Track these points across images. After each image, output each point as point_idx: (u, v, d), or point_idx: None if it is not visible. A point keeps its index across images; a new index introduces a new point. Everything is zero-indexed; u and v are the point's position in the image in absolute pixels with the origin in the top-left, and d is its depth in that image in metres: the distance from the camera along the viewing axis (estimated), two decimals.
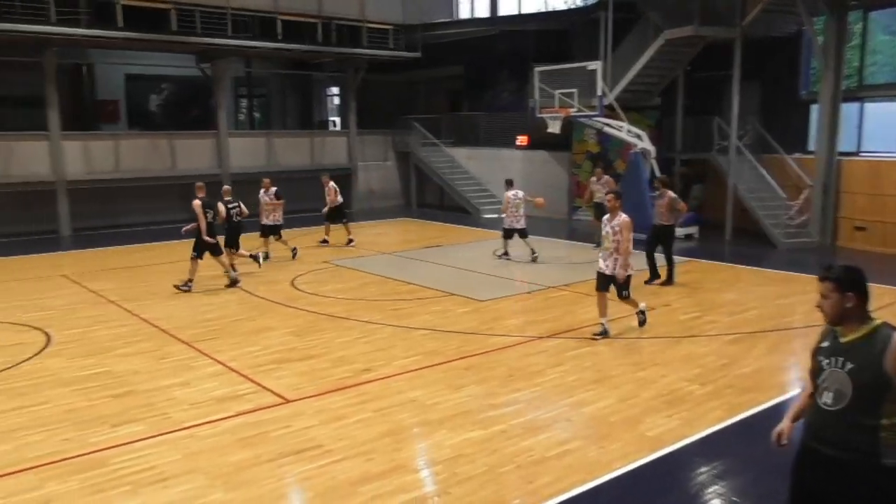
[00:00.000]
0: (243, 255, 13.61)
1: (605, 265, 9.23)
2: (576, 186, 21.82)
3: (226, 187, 14.34)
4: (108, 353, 8.93)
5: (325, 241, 17.42)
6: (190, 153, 21.88)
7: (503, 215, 14.98)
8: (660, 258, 12.49)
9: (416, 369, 8.20)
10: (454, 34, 25.04)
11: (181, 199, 22.34)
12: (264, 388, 7.61)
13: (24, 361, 8.64)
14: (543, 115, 18.64)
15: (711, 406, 7.03)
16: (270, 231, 15.21)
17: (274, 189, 15.26)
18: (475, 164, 24.94)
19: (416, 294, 12.09)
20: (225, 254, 12.98)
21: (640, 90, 19.41)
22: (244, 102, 28.56)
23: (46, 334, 9.76)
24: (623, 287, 9.22)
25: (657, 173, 16.33)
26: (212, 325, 10.16)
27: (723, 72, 17.84)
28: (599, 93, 17.43)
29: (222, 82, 22.28)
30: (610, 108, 18.18)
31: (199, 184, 13.01)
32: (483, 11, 27.14)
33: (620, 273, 9.11)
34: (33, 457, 6.01)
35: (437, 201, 26.02)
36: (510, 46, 24.13)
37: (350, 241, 17.25)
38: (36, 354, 8.92)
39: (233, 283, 12.71)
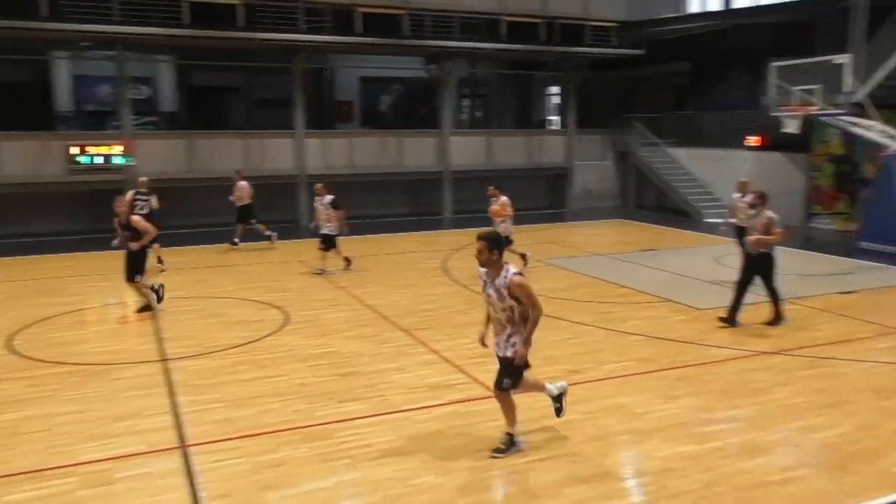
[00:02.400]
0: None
1: None
2: (814, 191, 19.97)
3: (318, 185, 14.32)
4: (336, 334, 9.67)
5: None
6: (415, 151, 23.05)
7: (732, 220, 13.58)
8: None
9: (626, 375, 7.97)
10: (681, 29, 23.95)
11: (406, 194, 23.74)
12: (475, 379, 7.81)
13: (266, 336, 9.62)
14: (779, 114, 17.24)
15: None
16: (327, 242, 13.82)
17: (329, 197, 13.82)
18: (698, 166, 23.70)
19: (630, 298, 11.75)
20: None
21: None
22: (466, 102, 29.50)
23: (286, 313, 10.79)
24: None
25: None
26: (428, 316, 10.62)
27: None
28: (847, 89, 15.77)
29: (447, 83, 23.19)
30: (859, 105, 16.38)
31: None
32: (715, 5, 25.68)
33: None
34: (271, 423, 6.67)
35: (655, 203, 25.10)
36: (743, 40, 22.59)
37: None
38: (276, 331, 9.89)
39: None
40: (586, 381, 7.76)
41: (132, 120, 20.28)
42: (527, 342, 5.84)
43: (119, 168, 19.28)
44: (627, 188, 26.25)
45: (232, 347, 9.09)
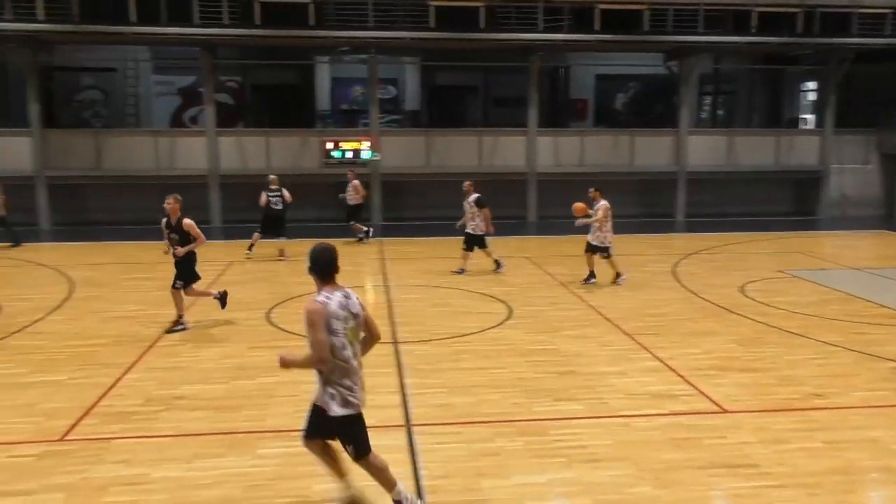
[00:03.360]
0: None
1: None
2: None
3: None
4: (557, 332, 9.67)
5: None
6: (648, 150, 22.31)
7: None
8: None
9: (880, 405, 7.10)
10: None
11: (637, 195, 23.05)
12: (701, 392, 7.40)
13: (489, 328, 9.88)
14: None
15: None
16: (472, 241, 13.50)
17: (475, 195, 13.48)
18: None
19: (890, 319, 10.44)
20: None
21: None
22: (707, 100, 27.96)
23: (509, 307, 11.00)
24: None
25: None
26: (654, 321, 10.24)
27: None
28: None
29: (688, 80, 22.14)
30: None
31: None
32: None
33: None
34: (488, 413, 6.85)
35: None
36: None
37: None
38: (499, 324, 10.12)
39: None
40: (831, 408, 7.03)
41: (379, 118, 21.80)
42: (291, 361, 4.77)
43: (365, 162, 20.88)
44: (895, 195, 23.28)
45: (456, 336, 9.45)
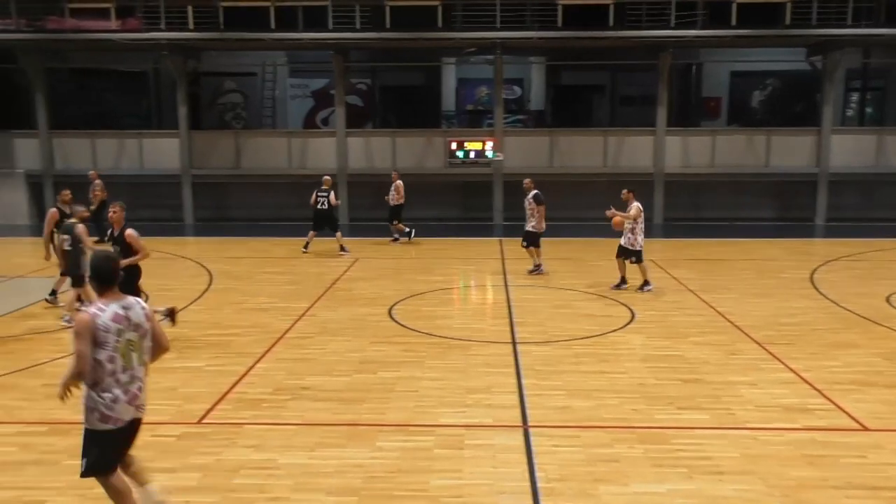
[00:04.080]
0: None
1: None
2: None
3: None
4: (683, 338, 9.34)
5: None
6: (786, 150, 21.08)
7: None
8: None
9: None
10: None
11: (772, 197, 21.87)
12: (839, 408, 6.93)
13: (610, 332, 9.68)
14: None
15: None
16: (528, 238, 13.56)
17: (533, 192, 13.49)
18: None
19: None
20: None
21: None
22: (854, 96, 26.06)
23: (631, 311, 10.73)
24: None
25: None
26: (788, 330, 9.68)
27: None
28: None
29: (833, 75, 20.74)
30: None
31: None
32: None
33: None
34: (607, 417, 6.72)
35: None
36: None
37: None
38: (620, 328, 9.90)
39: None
40: None
41: (503, 118, 21.83)
42: (62, 380, 4.47)
43: (488, 162, 20.98)
44: None
45: (576, 339, 9.33)
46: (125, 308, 4.47)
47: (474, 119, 25.30)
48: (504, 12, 19.55)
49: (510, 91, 24.51)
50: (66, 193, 11.55)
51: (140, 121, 24.36)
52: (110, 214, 9.08)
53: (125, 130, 22.08)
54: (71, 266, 9.69)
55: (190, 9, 19.60)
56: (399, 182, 17.45)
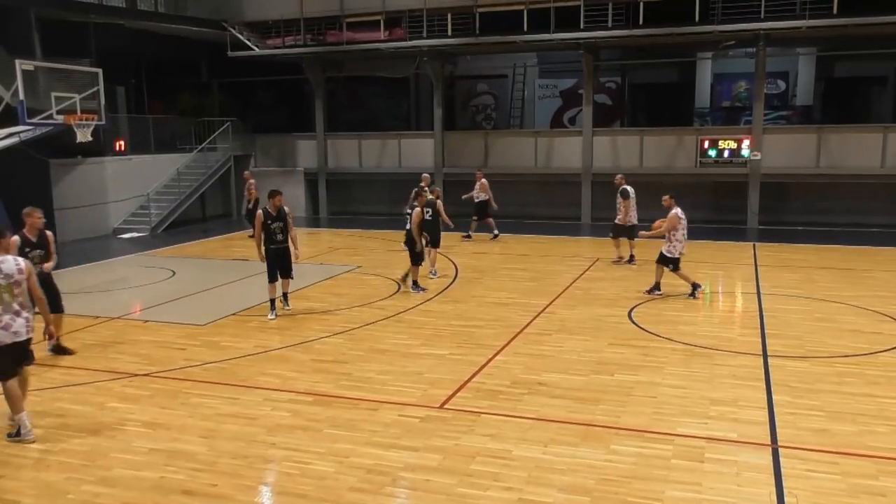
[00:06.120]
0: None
1: None
2: None
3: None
4: None
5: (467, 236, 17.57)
6: None
7: None
8: None
9: None
10: None
11: None
12: None
13: (881, 352, 8.62)
14: None
15: None
16: (618, 231, 14.56)
17: (623, 188, 14.55)
18: None
19: None
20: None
21: None
22: None
23: None
24: None
25: None
26: None
27: None
28: None
29: None
30: None
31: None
32: None
33: None
34: (874, 446, 6.01)
35: None
36: None
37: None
38: (894, 347, 8.77)
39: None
40: None
41: (764, 115, 20.26)
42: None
43: (744, 162, 19.61)
44: None
45: (839, 356, 8.43)
46: (1, 262, 6.20)
47: (731, 116, 23.78)
48: (769, 1, 18.10)
49: (773, 85, 22.70)
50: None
51: (401, 123, 26.22)
52: (27, 218, 8.38)
53: (387, 132, 23.93)
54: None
55: (449, 16, 20.68)
56: (484, 181, 17.96)
